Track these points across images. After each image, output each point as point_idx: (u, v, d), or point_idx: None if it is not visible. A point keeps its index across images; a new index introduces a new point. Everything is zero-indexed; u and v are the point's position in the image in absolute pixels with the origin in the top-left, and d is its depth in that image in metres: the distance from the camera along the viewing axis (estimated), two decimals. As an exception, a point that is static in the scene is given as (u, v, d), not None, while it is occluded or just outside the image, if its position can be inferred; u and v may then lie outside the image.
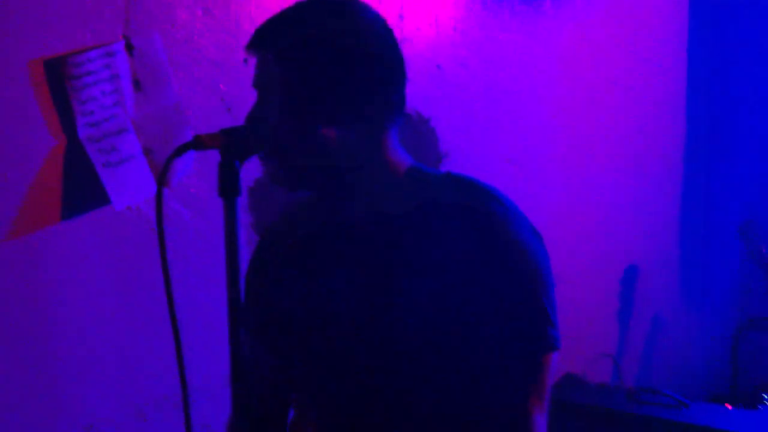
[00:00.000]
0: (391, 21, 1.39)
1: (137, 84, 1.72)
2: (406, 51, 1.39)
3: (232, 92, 1.90)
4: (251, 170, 1.98)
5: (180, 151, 1.07)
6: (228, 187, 1.07)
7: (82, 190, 1.68)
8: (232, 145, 1.08)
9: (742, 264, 4.20)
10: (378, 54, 1.32)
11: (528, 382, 1.35)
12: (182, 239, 1.87)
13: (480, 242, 1.34)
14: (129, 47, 1.71)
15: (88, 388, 1.74)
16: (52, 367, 1.72)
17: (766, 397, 3.72)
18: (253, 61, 1.35)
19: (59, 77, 1.62)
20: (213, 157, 1.10)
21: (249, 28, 1.91)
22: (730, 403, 3.40)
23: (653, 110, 3.74)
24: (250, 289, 1.50)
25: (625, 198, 3.60)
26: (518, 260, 1.34)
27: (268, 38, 1.31)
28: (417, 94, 2.45)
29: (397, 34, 1.37)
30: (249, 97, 1.92)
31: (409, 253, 1.37)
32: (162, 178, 1.07)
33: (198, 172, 1.85)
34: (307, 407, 1.53)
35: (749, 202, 4.58)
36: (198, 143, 1.07)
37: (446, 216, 1.36)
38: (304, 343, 1.46)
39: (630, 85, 3.51)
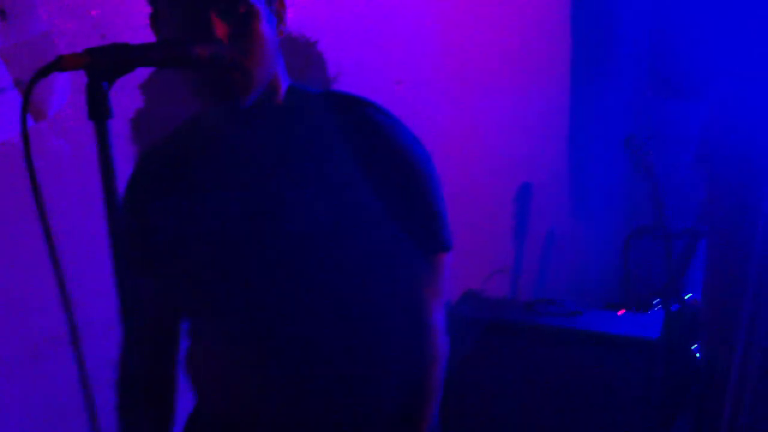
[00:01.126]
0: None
1: (2, 13, 1.63)
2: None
3: (104, 18, 1.83)
4: (132, 100, 1.93)
5: (44, 72, 1.03)
6: (97, 108, 1.04)
7: (-49, 127, 1.60)
8: (98, 65, 1.04)
9: (628, 176, 4.35)
10: None
11: (427, 281, 1.40)
12: (63, 173, 1.81)
13: (367, 150, 1.37)
14: (-10, -26, 1.63)
15: (-24, 331, 1.70)
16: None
17: (655, 301, 3.91)
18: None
19: None
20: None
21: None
22: (624, 309, 3.56)
23: (538, 26, 3.79)
24: (131, 218, 1.47)
25: (514, 116, 3.67)
26: (407, 165, 1.38)
27: None
28: (303, 17, 2.41)
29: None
30: (123, 24, 1.86)
31: (296, 166, 1.38)
32: (26, 101, 1.03)
33: (75, 105, 1.79)
34: (203, 334, 1.53)
35: (633, 115, 4.73)
36: (61, 64, 1.04)
37: (330, 129, 1.38)
38: (194, 267, 1.45)
39: (515, 1, 3.54)
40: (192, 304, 1.51)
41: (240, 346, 1.46)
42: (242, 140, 1.41)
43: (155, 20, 1.35)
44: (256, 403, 1.46)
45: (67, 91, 1.75)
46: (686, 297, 3.79)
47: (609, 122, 4.50)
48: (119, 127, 1.84)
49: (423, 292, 1.40)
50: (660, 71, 4.15)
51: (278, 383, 1.44)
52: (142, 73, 1.90)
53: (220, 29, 1.25)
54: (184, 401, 1.64)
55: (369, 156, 1.37)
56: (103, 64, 1.05)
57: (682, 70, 4.04)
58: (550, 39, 3.94)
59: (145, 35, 1.41)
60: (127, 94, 1.86)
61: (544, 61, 3.89)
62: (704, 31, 3.86)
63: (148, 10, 1.38)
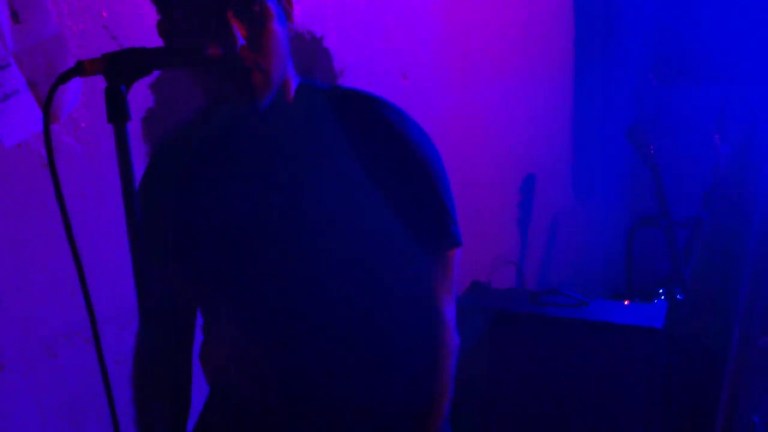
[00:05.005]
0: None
1: (15, 16, 1.65)
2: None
3: (115, 19, 1.85)
4: (144, 99, 1.95)
5: (63, 78, 1.05)
6: (116, 111, 1.06)
7: (-34, 129, 1.62)
8: (116, 69, 1.07)
9: (632, 165, 4.37)
10: None
11: (438, 277, 1.42)
12: (76, 173, 1.83)
13: (377, 146, 1.39)
14: (2, -22, 1.64)
15: (-7, 330, 1.72)
16: (-48, 313, 1.70)
17: (660, 291, 3.93)
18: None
19: (-71, 12, 1.55)
20: (102, 88, 1.09)
21: (128, -47, 1.86)
22: (628, 299, 3.59)
23: (541, 15, 3.80)
24: (146, 211, 1.49)
25: (519, 108, 3.68)
26: (417, 161, 1.41)
27: None
28: (308, 13, 2.43)
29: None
30: (133, 24, 1.88)
31: (308, 163, 1.41)
32: (47, 107, 1.05)
33: (86, 105, 1.81)
34: (218, 326, 1.56)
35: (637, 104, 4.75)
36: (81, 69, 1.06)
37: (340, 125, 1.41)
38: (210, 260, 1.48)
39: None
40: (207, 296, 1.54)
41: (254, 338, 1.49)
42: (255, 136, 1.44)
43: (164, 26, 1.37)
44: (269, 392, 1.49)
45: (78, 93, 1.77)
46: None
47: (613, 111, 4.52)
48: (130, 127, 1.86)
49: (434, 287, 1.43)
50: (665, 56, 4.14)
51: (291, 374, 1.47)
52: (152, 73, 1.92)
53: (240, 29, 1.27)
54: (198, 392, 1.67)
55: (379, 152, 1.40)
56: (122, 68, 1.07)
57: (689, 53, 4.02)
58: (552, 27, 3.95)
59: (156, 35, 1.43)
60: (137, 94, 1.89)
61: (547, 50, 3.90)
62: (715, 13, 3.83)
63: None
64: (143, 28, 1.89)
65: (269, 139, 1.43)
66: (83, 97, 1.80)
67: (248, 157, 1.44)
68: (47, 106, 1.05)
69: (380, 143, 1.40)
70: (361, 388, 1.48)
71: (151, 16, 1.82)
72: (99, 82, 1.09)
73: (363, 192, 1.39)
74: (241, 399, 1.53)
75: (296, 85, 1.45)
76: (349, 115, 1.42)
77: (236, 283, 1.47)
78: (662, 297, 3.86)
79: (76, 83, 1.76)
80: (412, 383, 1.42)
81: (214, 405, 1.62)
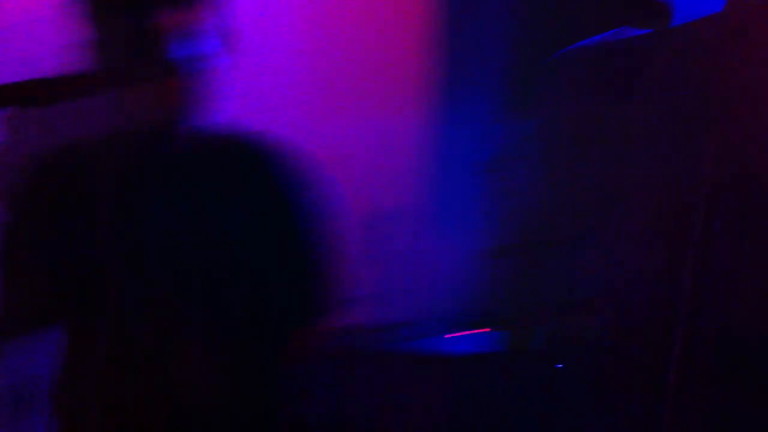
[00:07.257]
0: None
1: None
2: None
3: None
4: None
5: None
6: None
7: None
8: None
9: (487, 196, 4.49)
10: None
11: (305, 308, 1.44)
12: None
13: (258, 190, 1.42)
14: None
15: None
16: None
17: (516, 318, 4.03)
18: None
19: None
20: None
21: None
22: (490, 328, 3.67)
23: (398, 53, 3.86)
24: (26, 223, 1.45)
25: (375, 143, 3.72)
26: (289, 202, 1.43)
27: None
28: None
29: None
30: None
31: (187, 204, 1.45)
32: None
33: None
34: (93, 338, 1.49)
35: (490, 136, 4.90)
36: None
37: (226, 164, 1.44)
38: (85, 283, 1.45)
39: (377, 28, 3.60)
40: (73, 320, 1.49)
41: (122, 372, 1.47)
42: (148, 173, 1.46)
43: None
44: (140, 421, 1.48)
45: None
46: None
47: (469, 144, 4.63)
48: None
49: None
50: (506, 92, 4.31)
51: (160, 403, 1.50)
52: None
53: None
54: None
55: (263, 195, 1.45)
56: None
57: (516, 89, 4.20)
58: (408, 64, 4.02)
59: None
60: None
61: (407, 85, 3.96)
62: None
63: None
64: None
65: (156, 173, 1.45)
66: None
67: (139, 193, 1.46)
68: None
69: (261, 185, 1.52)
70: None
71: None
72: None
73: (241, 238, 1.42)
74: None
75: (186, 127, 1.45)
76: (234, 154, 1.45)
77: (121, 302, 1.45)
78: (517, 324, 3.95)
79: None
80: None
81: None
